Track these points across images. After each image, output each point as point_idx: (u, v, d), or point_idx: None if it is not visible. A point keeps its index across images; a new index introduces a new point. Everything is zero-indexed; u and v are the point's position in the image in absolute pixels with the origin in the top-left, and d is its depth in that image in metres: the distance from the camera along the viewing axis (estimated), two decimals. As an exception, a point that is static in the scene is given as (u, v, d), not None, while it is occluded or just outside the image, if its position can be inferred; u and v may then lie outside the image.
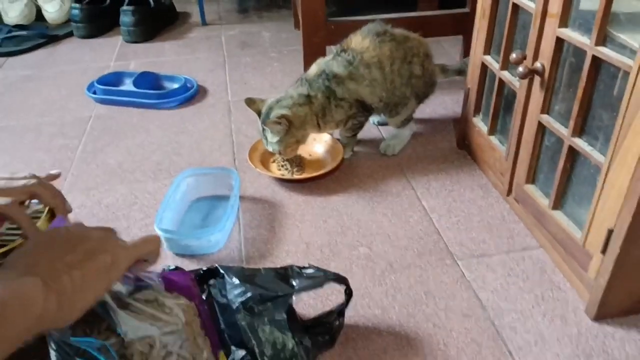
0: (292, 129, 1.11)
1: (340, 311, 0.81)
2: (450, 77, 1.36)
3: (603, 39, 0.75)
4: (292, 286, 0.76)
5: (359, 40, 1.18)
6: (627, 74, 0.69)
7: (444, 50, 1.81)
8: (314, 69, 1.20)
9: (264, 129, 1.13)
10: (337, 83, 1.14)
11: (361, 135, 1.27)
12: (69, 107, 1.55)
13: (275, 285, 0.76)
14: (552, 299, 0.86)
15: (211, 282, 0.78)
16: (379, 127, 1.38)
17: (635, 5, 0.78)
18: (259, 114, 1.16)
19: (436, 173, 1.19)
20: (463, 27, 1.54)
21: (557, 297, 0.87)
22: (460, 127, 1.24)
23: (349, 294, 0.81)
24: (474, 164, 1.21)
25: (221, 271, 0.78)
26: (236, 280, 0.76)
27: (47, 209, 0.84)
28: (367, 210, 1.09)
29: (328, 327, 0.79)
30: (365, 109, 1.19)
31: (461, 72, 1.34)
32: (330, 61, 1.17)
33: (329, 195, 1.14)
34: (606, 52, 0.73)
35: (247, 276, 0.77)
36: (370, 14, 1.52)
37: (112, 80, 1.63)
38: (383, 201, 1.11)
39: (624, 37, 0.73)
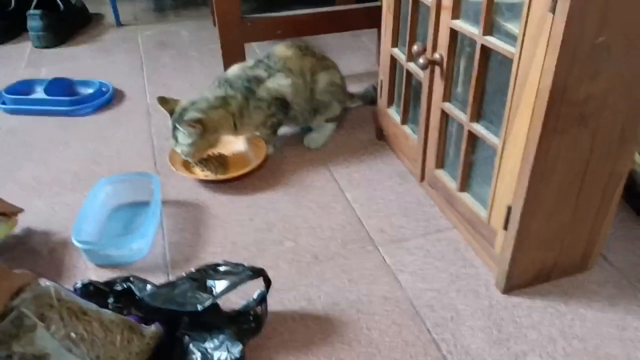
0: (205, 133, 1.11)
1: (261, 298, 0.82)
2: (355, 104, 1.44)
3: (490, 28, 0.80)
4: (211, 293, 0.76)
5: (283, 50, 1.23)
6: (511, 60, 0.75)
7: (362, 44, 1.85)
8: (234, 69, 1.21)
9: (175, 129, 1.12)
10: (257, 84, 1.18)
11: (285, 130, 1.29)
12: (-25, 121, 1.46)
13: (193, 298, 0.76)
14: (466, 276, 0.92)
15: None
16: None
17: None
18: (171, 113, 1.15)
19: (357, 164, 1.23)
20: (376, 21, 1.58)
21: (469, 273, 0.93)
22: (377, 119, 1.29)
23: (267, 283, 0.82)
24: (392, 153, 1.26)
25: (137, 294, 0.77)
26: (154, 303, 0.76)
27: None
28: (293, 205, 1.11)
29: (252, 315, 0.81)
30: (284, 107, 1.21)
31: (365, 98, 1.44)
32: (251, 66, 1.21)
33: (255, 193, 1.15)
34: (493, 41, 0.79)
35: (164, 295, 0.77)
36: (287, 9, 1.54)
37: (22, 89, 1.55)
38: (308, 195, 1.14)
39: (509, 25, 0.78)
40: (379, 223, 1.05)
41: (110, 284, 0.81)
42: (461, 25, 0.86)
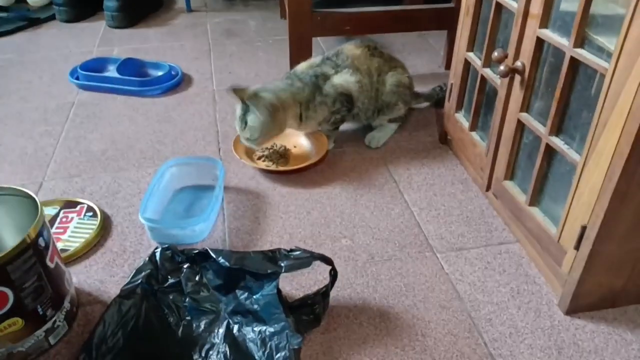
0: (275, 118, 1.11)
1: (324, 292, 0.83)
2: (421, 104, 1.42)
3: (581, 40, 0.77)
4: (280, 267, 0.79)
5: (351, 48, 1.23)
6: (603, 76, 0.72)
7: (428, 45, 1.82)
8: (302, 66, 1.23)
9: (245, 113, 1.12)
10: (324, 80, 1.18)
11: (346, 126, 1.29)
12: (51, 93, 1.53)
13: (264, 266, 0.80)
14: (527, 292, 0.89)
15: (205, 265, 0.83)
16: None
17: (613, 7, 0.80)
18: (242, 100, 1.15)
19: (418, 167, 1.21)
20: (447, 23, 1.56)
21: (531, 290, 0.90)
22: (442, 123, 1.26)
23: (333, 275, 0.84)
24: (455, 158, 1.23)
25: (212, 254, 0.82)
26: (226, 263, 0.80)
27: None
28: (350, 202, 1.11)
29: (313, 307, 0.82)
30: (349, 103, 1.21)
31: (431, 98, 1.42)
32: (319, 63, 1.22)
33: (313, 187, 1.15)
34: (584, 54, 0.75)
35: (237, 259, 0.81)
36: (355, 6, 1.53)
37: (96, 66, 1.61)
38: (366, 194, 1.13)
39: (601, 39, 0.75)
40: (439, 229, 1.03)
41: (186, 251, 0.87)
42: (549, 34, 0.82)
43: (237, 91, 1.14)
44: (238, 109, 1.13)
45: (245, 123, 1.12)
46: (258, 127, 1.11)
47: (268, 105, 1.10)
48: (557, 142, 0.83)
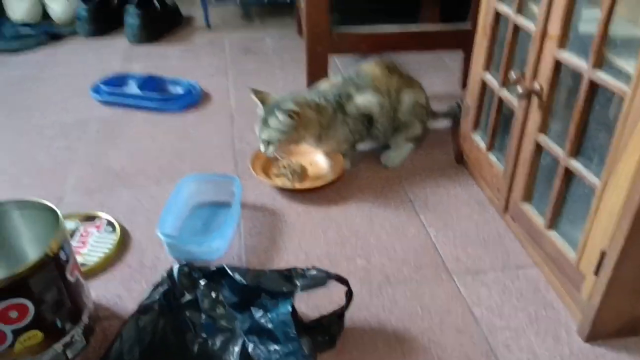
0: (297, 127, 1.12)
1: (340, 313, 0.83)
2: (438, 121, 1.42)
3: (600, 62, 0.76)
4: (296, 285, 0.79)
5: (371, 67, 1.24)
6: (622, 98, 0.71)
7: (444, 64, 1.83)
8: (325, 84, 1.24)
9: (268, 116, 1.13)
10: (347, 99, 1.19)
11: (362, 146, 1.29)
12: (71, 108, 1.56)
13: (280, 285, 0.80)
14: (545, 318, 0.88)
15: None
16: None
17: (632, 30, 0.80)
18: (262, 102, 1.16)
19: (434, 187, 1.21)
20: (464, 42, 1.56)
21: (550, 316, 0.88)
22: (458, 142, 1.26)
23: (349, 296, 0.83)
24: (472, 179, 1.23)
25: (229, 271, 0.83)
26: (243, 280, 0.81)
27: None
28: (366, 222, 1.11)
29: (328, 328, 0.82)
30: (369, 124, 1.22)
31: (449, 115, 1.41)
32: (342, 83, 1.23)
33: (329, 206, 1.15)
34: (603, 77, 0.75)
35: (253, 276, 0.82)
36: (372, 24, 1.55)
37: (117, 82, 1.64)
38: (382, 213, 1.13)
39: (620, 62, 0.75)
40: (455, 251, 1.02)
41: (203, 268, 0.88)
42: (567, 56, 0.82)
43: (257, 94, 1.16)
44: (260, 111, 1.15)
45: (267, 125, 1.13)
46: (278, 131, 1.12)
47: (291, 110, 1.11)
48: (576, 165, 0.83)
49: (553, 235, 0.90)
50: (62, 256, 0.76)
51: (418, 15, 2.07)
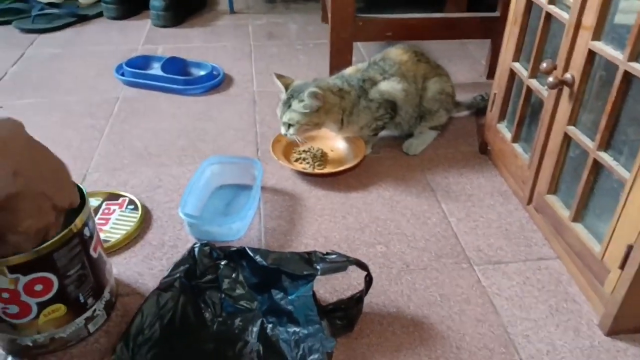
0: (319, 111, 1.12)
1: (359, 297, 0.83)
2: (461, 113, 1.41)
3: (636, 54, 0.74)
4: (316, 269, 0.79)
5: (399, 53, 1.23)
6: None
7: (469, 53, 1.80)
8: (350, 69, 1.24)
9: (289, 99, 1.13)
10: (371, 85, 1.19)
11: (384, 132, 1.28)
12: (97, 88, 1.57)
13: (300, 267, 0.80)
14: (566, 310, 0.87)
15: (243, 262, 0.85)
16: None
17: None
18: (285, 87, 1.16)
19: (457, 176, 1.20)
20: (492, 31, 1.53)
21: (571, 308, 0.87)
22: (483, 132, 1.24)
23: (369, 280, 0.83)
24: (495, 169, 1.21)
25: (249, 252, 0.83)
26: (263, 262, 0.81)
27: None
28: (386, 208, 1.10)
29: (347, 312, 0.82)
30: (393, 110, 1.20)
31: (472, 107, 1.41)
32: (366, 67, 1.22)
33: (349, 192, 1.15)
34: (638, 68, 0.73)
35: (274, 258, 0.83)
36: (397, 12, 1.53)
37: (141, 63, 1.65)
38: (402, 201, 1.12)
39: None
40: (476, 241, 1.01)
41: (224, 248, 0.88)
42: (602, 47, 0.80)
43: (280, 78, 1.16)
44: (283, 95, 1.16)
45: (289, 107, 1.13)
46: (300, 114, 1.12)
47: (313, 93, 1.10)
48: (606, 158, 0.81)
49: (578, 227, 0.89)
50: (86, 232, 0.78)
51: (444, 3, 2.05)
